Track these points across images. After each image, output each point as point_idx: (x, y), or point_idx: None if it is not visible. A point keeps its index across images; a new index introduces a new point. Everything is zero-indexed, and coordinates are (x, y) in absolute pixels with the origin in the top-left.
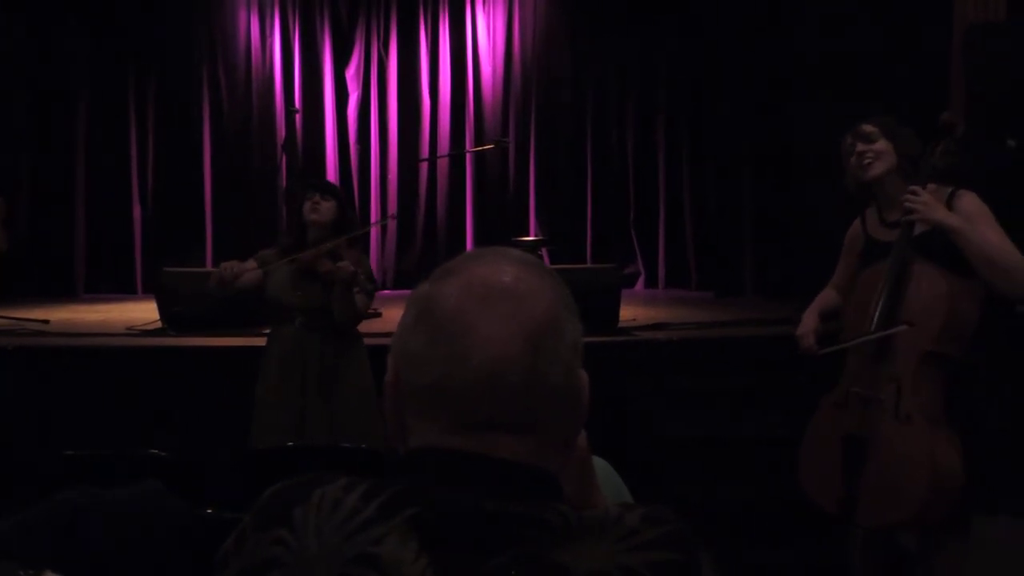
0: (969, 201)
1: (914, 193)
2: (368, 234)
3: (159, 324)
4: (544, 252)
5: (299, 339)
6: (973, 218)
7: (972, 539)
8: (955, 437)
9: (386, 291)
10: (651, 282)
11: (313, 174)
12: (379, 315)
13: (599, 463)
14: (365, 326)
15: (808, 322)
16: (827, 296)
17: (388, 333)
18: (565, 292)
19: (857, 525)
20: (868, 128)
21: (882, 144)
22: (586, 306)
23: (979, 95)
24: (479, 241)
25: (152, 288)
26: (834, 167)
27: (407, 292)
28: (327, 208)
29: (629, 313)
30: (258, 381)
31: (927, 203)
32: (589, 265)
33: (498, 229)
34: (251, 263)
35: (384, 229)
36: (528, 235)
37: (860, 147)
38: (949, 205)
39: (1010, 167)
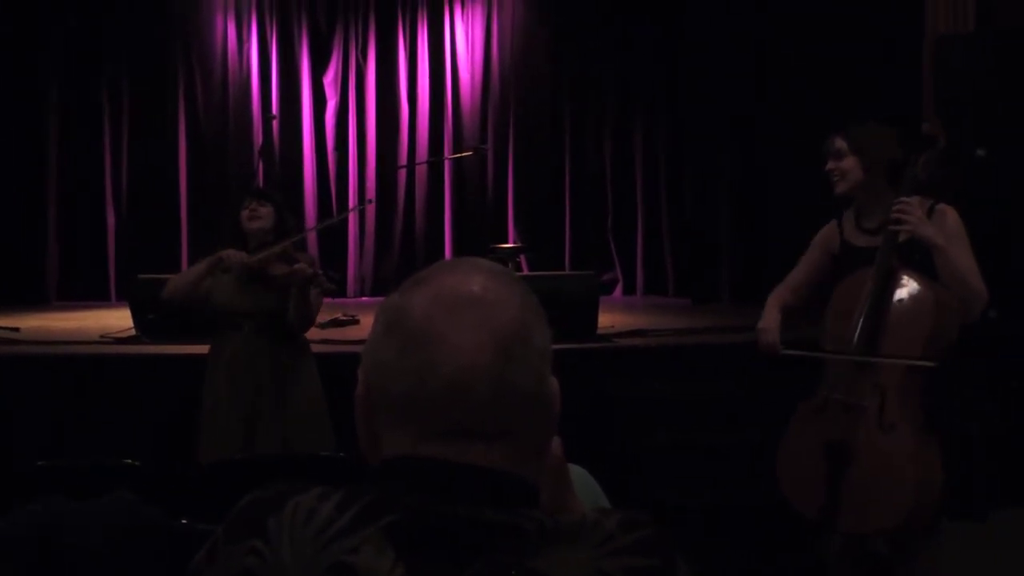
0: (951, 218)
1: (905, 205)
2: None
3: (133, 332)
4: (523, 259)
5: (248, 346)
6: (952, 237)
7: (943, 540)
8: (936, 445)
9: (364, 298)
10: (629, 289)
11: (278, 181)
12: (357, 322)
13: (576, 470)
14: (341, 333)
15: (771, 316)
16: (784, 295)
17: (364, 340)
18: (533, 300)
19: (838, 531)
20: (838, 143)
21: (848, 161)
22: (565, 313)
23: (949, 104)
24: (458, 248)
25: (126, 295)
26: (808, 176)
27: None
28: (266, 213)
29: (607, 320)
30: (204, 392)
31: (920, 218)
32: (567, 272)
33: (476, 236)
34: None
35: (362, 235)
36: (507, 242)
37: (830, 164)
38: (929, 218)
39: (980, 176)
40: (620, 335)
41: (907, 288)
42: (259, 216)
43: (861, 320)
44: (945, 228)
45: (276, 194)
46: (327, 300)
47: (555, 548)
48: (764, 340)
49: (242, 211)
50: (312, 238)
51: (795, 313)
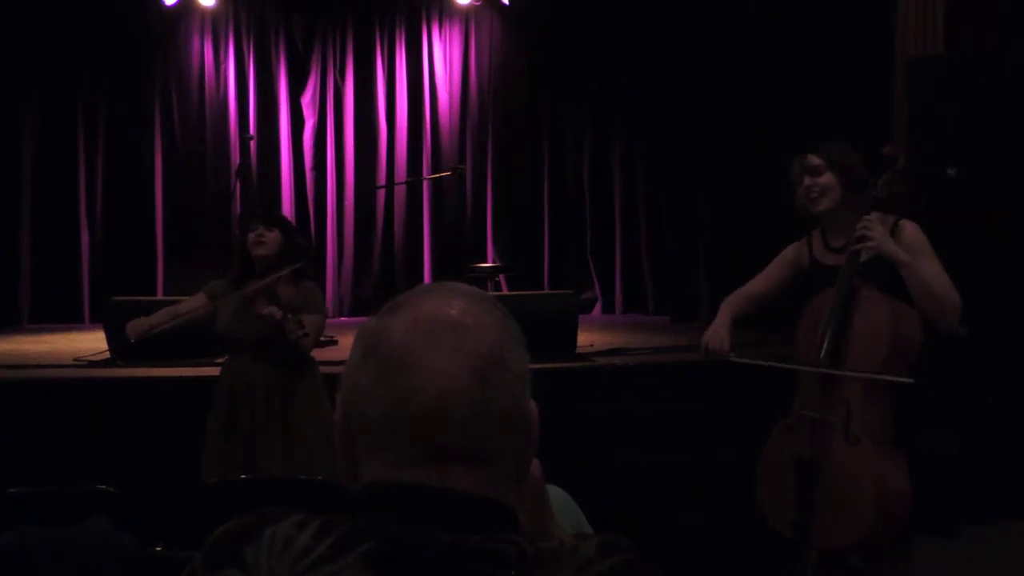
0: (912, 233)
1: (868, 222)
2: (309, 263)
3: (107, 354)
4: (502, 278)
5: (250, 369)
6: (915, 250)
7: (913, 555)
8: (902, 459)
9: (343, 318)
10: (608, 307)
11: (266, 202)
12: (335, 343)
13: (555, 491)
14: (319, 354)
15: (721, 323)
16: (739, 304)
17: (343, 361)
18: (512, 323)
19: (812, 547)
20: (814, 161)
21: (828, 178)
22: (543, 332)
23: (920, 124)
24: (436, 268)
25: (100, 317)
26: (784, 197)
27: (364, 319)
28: (272, 239)
29: (587, 339)
30: (209, 413)
31: (883, 234)
32: (546, 291)
33: (455, 256)
34: (200, 296)
35: (341, 255)
36: (485, 262)
37: (807, 181)
38: (892, 235)
39: (950, 195)
40: (599, 354)
41: (868, 306)
42: (264, 242)
43: (826, 338)
44: (908, 242)
45: (284, 219)
46: None
47: (535, 573)
48: (712, 347)
49: (248, 234)
50: None
51: (746, 321)
